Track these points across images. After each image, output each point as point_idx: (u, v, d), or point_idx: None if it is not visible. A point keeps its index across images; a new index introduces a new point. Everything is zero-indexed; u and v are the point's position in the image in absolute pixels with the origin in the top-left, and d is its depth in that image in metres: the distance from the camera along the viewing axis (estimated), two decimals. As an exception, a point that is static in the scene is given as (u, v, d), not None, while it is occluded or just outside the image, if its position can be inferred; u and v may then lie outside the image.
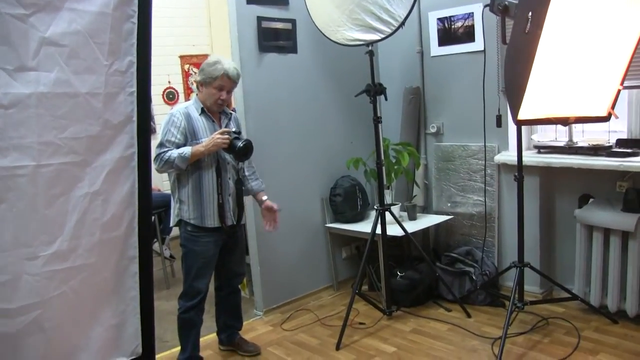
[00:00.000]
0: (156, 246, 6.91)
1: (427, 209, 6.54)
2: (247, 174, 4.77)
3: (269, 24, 5.62)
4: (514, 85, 4.16)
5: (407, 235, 5.50)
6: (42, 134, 2.80)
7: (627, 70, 4.37)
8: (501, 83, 5.39)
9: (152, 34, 3.26)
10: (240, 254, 4.90)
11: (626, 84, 4.50)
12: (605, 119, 4.57)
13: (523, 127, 4.97)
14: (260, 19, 5.53)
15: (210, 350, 5.09)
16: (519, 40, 4.01)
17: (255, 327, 5.55)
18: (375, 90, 5.23)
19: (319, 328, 5.46)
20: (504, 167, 5.73)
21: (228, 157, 4.49)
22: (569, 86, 4.31)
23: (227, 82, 4.41)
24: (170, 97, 9.10)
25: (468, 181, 6.04)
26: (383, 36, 5.06)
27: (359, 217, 6.29)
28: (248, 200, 5.14)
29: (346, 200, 6.16)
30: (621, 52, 4.27)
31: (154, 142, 4.01)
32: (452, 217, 6.19)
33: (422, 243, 6.24)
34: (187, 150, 4.27)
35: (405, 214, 6.17)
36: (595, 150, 5.02)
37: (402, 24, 4.95)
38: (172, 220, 4.62)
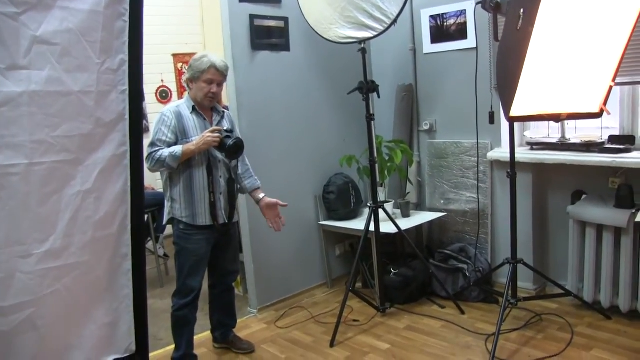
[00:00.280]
0: (150, 245, 6.92)
1: (420, 206, 6.55)
2: (240, 172, 4.77)
3: (262, 22, 5.62)
4: (506, 82, 4.17)
5: (401, 233, 5.51)
6: (34, 133, 2.80)
7: (619, 66, 4.38)
8: (494, 80, 5.40)
9: (144, 33, 3.26)
10: (233, 252, 4.89)
11: (618, 80, 4.52)
12: (598, 115, 4.59)
13: (515, 124, 4.97)
14: (252, 17, 5.53)
15: (205, 348, 5.10)
16: (511, 38, 4.02)
17: (249, 325, 5.55)
18: (368, 88, 5.23)
19: (313, 325, 5.47)
20: (496, 163, 5.73)
21: (220, 155, 4.49)
22: (561, 83, 4.33)
23: (216, 74, 4.41)
24: (164, 95, 9.10)
25: (461, 178, 6.05)
26: (375, 34, 5.07)
27: (353, 215, 6.29)
28: (242, 197, 5.14)
29: (339, 198, 6.16)
30: (613, 48, 4.28)
31: (147, 141, 4.01)
32: (445, 214, 6.20)
33: (415, 240, 6.24)
34: (177, 149, 4.27)
35: (398, 211, 6.18)
36: (587, 146, 5.03)
37: (395, 21, 4.96)
38: (165, 219, 4.62)
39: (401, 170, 6.11)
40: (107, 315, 3.30)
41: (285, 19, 5.81)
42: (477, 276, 5.59)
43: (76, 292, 3.09)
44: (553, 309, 5.24)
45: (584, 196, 5.17)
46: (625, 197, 4.77)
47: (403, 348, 4.84)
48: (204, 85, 4.40)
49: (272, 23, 5.71)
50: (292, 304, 5.97)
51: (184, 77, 4.63)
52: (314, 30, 5.46)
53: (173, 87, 9.22)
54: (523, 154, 5.31)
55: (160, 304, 6.05)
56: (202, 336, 5.24)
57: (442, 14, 5.90)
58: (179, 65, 9.18)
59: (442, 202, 6.27)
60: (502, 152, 5.54)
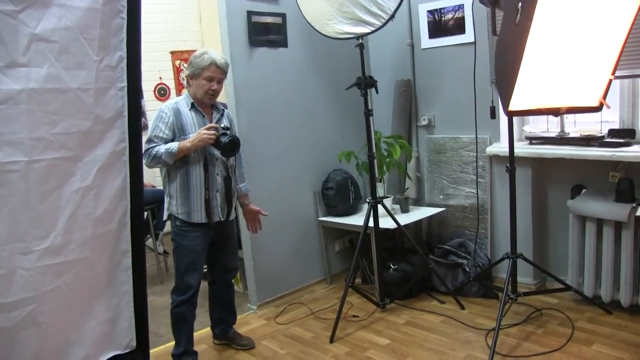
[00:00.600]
0: (150, 242, 6.92)
1: (419, 202, 6.55)
2: (237, 173, 4.78)
3: (259, 18, 5.61)
4: (505, 77, 4.16)
5: (400, 228, 5.51)
6: (33, 130, 2.80)
7: (619, 60, 4.37)
8: (492, 74, 5.39)
9: (142, 30, 3.26)
10: (232, 249, 4.90)
11: (617, 73, 4.50)
12: (597, 109, 4.58)
13: (514, 119, 4.97)
14: (250, 14, 5.53)
15: (205, 345, 5.10)
16: (509, 32, 4.01)
17: (249, 321, 5.56)
18: (366, 83, 5.22)
19: (312, 321, 5.47)
20: (495, 158, 5.73)
21: (217, 152, 4.49)
22: (560, 76, 4.32)
23: (216, 71, 4.40)
24: (162, 93, 9.08)
25: (460, 173, 6.05)
26: (373, 29, 5.06)
27: (352, 210, 6.30)
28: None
29: (338, 194, 6.16)
30: (612, 41, 4.27)
31: (145, 138, 4.02)
32: (444, 209, 6.20)
33: (414, 235, 6.25)
34: (174, 145, 4.27)
35: (397, 206, 6.18)
36: (587, 140, 5.03)
37: (392, 16, 4.95)
38: (165, 214, 4.63)
39: (400, 165, 6.11)
40: (107, 311, 3.31)
41: (283, 15, 5.81)
42: (477, 271, 5.59)
43: (76, 289, 3.10)
44: (553, 304, 5.24)
45: (583, 190, 5.17)
46: (625, 191, 4.76)
47: (403, 343, 4.85)
48: (204, 83, 4.39)
49: (269, 19, 5.71)
50: (292, 300, 5.97)
51: (183, 74, 4.62)
52: (311, 26, 5.46)
53: (171, 84, 9.20)
54: (522, 149, 5.31)
55: (160, 301, 6.05)
56: (202, 332, 5.25)
57: (440, 9, 5.90)
58: (177, 62, 9.17)
59: (441, 197, 6.27)
60: (501, 147, 5.54)
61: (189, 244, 4.50)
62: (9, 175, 2.73)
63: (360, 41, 5.19)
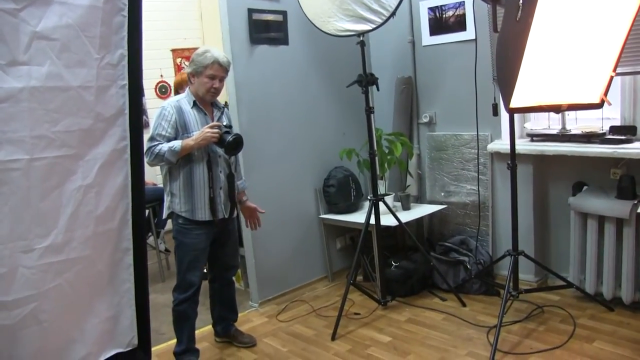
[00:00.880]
0: (151, 240, 6.92)
1: (420, 199, 6.55)
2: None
3: (260, 15, 5.61)
4: (506, 74, 4.16)
5: (401, 225, 5.51)
6: (34, 128, 2.80)
7: (620, 56, 4.36)
8: (493, 72, 5.39)
9: (142, 28, 3.26)
10: (233, 246, 4.90)
11: (619, 70, 4.49)
12: (598, 106, 4.57)
13: (515, 116, 4.97)
14: (251, 11, 5.52)
15: (206, 342, 5.10)
16: (511, 29, 4.01)
17: (250, 319, 5.56)
18: (367, 81, 5.22)
19: (314, 319, 5.47)
20: (497, 155, 5.73)
21: (219, 150, 4.48)
22: (561, 73, 4.31)
23: (219, 69, 4.40)
24: (163, 91, 9.08)
25: (461, 170, 6.04)
26: (374, 26, 5.06)
27: (353, 208, 6.29)
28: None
29: (340, 191, 6.16)
30: (613, 38, 4.27)
31: (147, 136, 4.01)
32: (445, 206, 6.19)
33: (416, 233, 6.24)
34: (177, 144, 4.26)
35: (399, 204, 6.17)
36: (588, 137, 5.01)
37: (393, 13, 4.95)
38: (165, 213, 4.62)
39: (401, 163, 6.10)
40: (108, 309, 3.31)
41: (284, 13, 5.81)
42: (478, 268, 5.59)
43: (78, 287, 3.10)
44: (555, 301, 5.23)
45: (585, 187, 5.16)
46: (626, 188, 4.76)
47: (404, 341, 4.84)
48: (206, 80, 4.39)
49: (270, 17, 5.71)
50: (293, 298, 5.97)
51: (185, 71, 4.61)
52: (312, 23, 5.45)
53: (172, 82, 9.18)
54: (523, 146, 5.31)
55: (162, 299, 6.05)
56: (204, 330, 5.25)
57: (441, 6, 5.88)
58: (178, 60, 9.17)
59: (442, 194, 6.27)
60: (502, 144, 5.54)
61: (191, 241, 4.50)
62: (11, 174, 2.74)
63: (361, 38, 5.18)
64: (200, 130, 4.32)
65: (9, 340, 2.85)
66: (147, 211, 6.58)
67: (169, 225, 4.78)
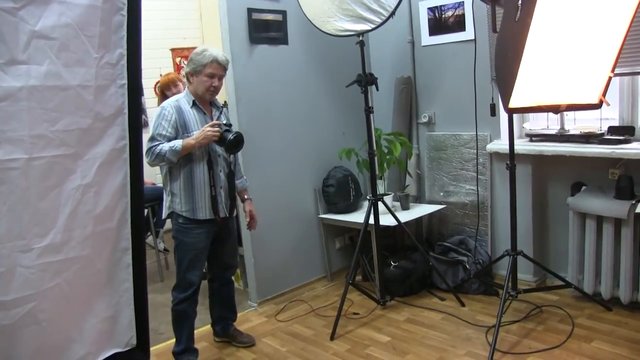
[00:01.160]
0: (150, 239, 6.92)
1: (419, 199, 6.55)
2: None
3: (260, 15, 5.61)
4: (505, 74, 4.16)
5: (400, 225, 5.51)
6: (33, 127, 2.81)
7: (618, 57, 4.36)
8: (492, 72, 5.39)
9: (142, 27, 3.27)
10: (232, 245, 4.90)
11: (617, 71, 4.49)
12: (597, 106, 4.57)
13: (514, 116, 4.97)
14: (250, 11, 5.52)
15: (205, 342, 5.10)
16: (510, 29, 4.01)
17: (249, 319, 5.56)
18: (366, 81, 5.22)
19: (313, 319, 5.47)
20: (496, 155, 5.73)
21: (219, 149, 4.48)
22: (560, 74, 4.31)
23: (217, 68, 4.40)
24: (162, 90, 9.08)
25: (460, 170, 6.05)
26: (373, 26, 5.06)
27: (352, 208, 6.29)
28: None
29: (339, 191, 6.16)
30: (612, 39, 4.27)
31: (146, 136, 4.01)
32: (444, 206, 6.19)
33: (415, 233, 6.25)
34: (178, 143, 4.26)
35: (398, 203, 6.17)
36: (587, 137, 5.02)
37: (393, 13, 4.95)
38: (164, 213, 4.62)
39: (400, 162, 6.11)
40: (107, 309, 3.32)
41: (283, 13, 5.81)
42: (477, 268, 5.59)
43: (77, 286, 3.11)
44: (553, 301, 5.24)
45: (583, 187, 5.16)
46: (625, 188, 4.76)
47: (403, 340, 4.85)
48: (205, 79, 4.39)
49: (270, 16, 5.71)
50: (292, 297, 5.97)
51: (184, 71, 4.62)
52: (312, 23, 5.45)
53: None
54: (522, 146, 5.31)
55: (161, 298, 6.05)
56: (203, 330, 5.25)
57: (440, 6, 5.89)
58: (178, 59, 9.16)
59: (441, 194, 6.27)
60: (501, 144, 5.54)
61: (191, 241, 4.50)
62: (9, 173, 2.74)
63: (360, 38, 5.18)
64: (201, 129, 4.33)
65: (7, 339, 2.85)
66: (145, 210, 6.58)
67: (168, 224, 4.78)
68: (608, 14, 4.14)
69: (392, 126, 6.39)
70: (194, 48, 4.59)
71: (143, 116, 7.25)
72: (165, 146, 4.26)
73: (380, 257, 5.53)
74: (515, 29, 3.94)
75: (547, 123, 5.50)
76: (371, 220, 5.38)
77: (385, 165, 6.00)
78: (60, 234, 2.97)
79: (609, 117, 5.08)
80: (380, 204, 5.41)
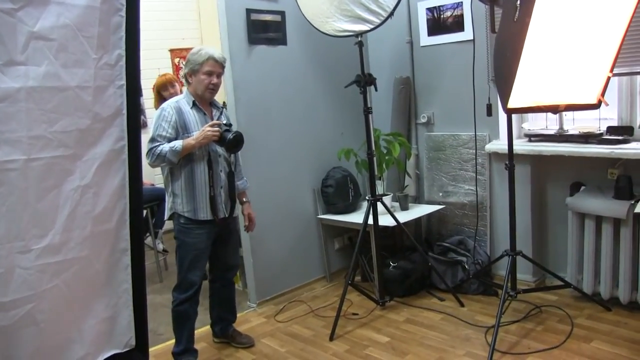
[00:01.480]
0: (149, 240, 6.92)
1: (418, 199, 6.55)
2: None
3: (258, 16, 5.61)
4: (504, 74, 4.16)
5: (399, 226, 5.50)
6: (32, 128, 2.80)
7: (617, 57, 4.36)
8: (491, 72, 5.38)
9: (140, 28, 3.26)
10: (233, 246, 4.90)
11: (616, 71, 4.50)
12: (596, 106, 4.57)
13: (513, 116, 4.96)
14: (249, 11, 5.52)
15: (205, 343, 5.10)
16: (508, 29, 4.01)
17: (249, 319, 5.55)
18: (365, 81, 5.22)
19: (312, 319, 5.47)
20: (495, 156, 5.73)
21: (219, 149, 4.49)
22: (559, 74, 4.32)
23: (215, 65, 4.40)
24: (161, 91, 9.08)
25: (459, 170, 6.05)
26: (372, 27, 5.06)
27: (351, 208, 6.29)
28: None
29: (338, 191, 6.15)
30: (610, 39, 4.27)
31: (145, 136, 4.01)
32: (443, 206, 6.19)
33: (414, 233, 6.25)
34: (178, 143, 4.27)
35: (397, 204, 6.17)
36: (586, 137, 5.02)
37: (391, 14, 4.95)
38: (167, 214, 4.62)
39: (399, 163, 6.11)
40: (106, 309, 3.31)
41: (282, 13, 5.80)
42: (476, 268, 5.59)
43: (75, 287, 3.10)
44: (552, 301, 5.24)
45: (582, 187, 5.16)
46: (624, 188, 4.76)
47: (402, 341, 4.85)
48: (203, 77, 4.39)
49: (268, 17, 5.70)
50: (292, 298, 5.97)
51: (182, 72, 4.62)
52: (310, 23, 5.45)
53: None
54: (521, 146, 5.31)
55: (160, 299, 6.06)
56: (202, 330, 5.24)
57: (439, 6, 5.89)
58: (176, 60, 9.16)
59: (440, 194, 6.27)
60: (500, 144, 5.54)
61: (192, 241, 4.50)
62: (8, 174, 2.74)
63: (359, 39, 5.18)
64: (201, 129, 4.33)
65: (6, 341, 2.85)
66: (144, 211, 6.58)
67: (168, 225, 4.78)
68: (607, 13, 4.14)
69: (391, 126, 6.39)
70: (192, 49, 4.59)
71: (142, 117, 7.25)
72: (166, 147, 4.26)
73: (380, 258, 5.54)
74: (513, 29, 3.94)
75: (546, 123, 5.50)
76: (370, 221, 5.38)
77: (384, 165, 6.00)
78: (59, 235, 2.97)
79: (608, 117, 5.08)
80: (379, 204, 5.41)
